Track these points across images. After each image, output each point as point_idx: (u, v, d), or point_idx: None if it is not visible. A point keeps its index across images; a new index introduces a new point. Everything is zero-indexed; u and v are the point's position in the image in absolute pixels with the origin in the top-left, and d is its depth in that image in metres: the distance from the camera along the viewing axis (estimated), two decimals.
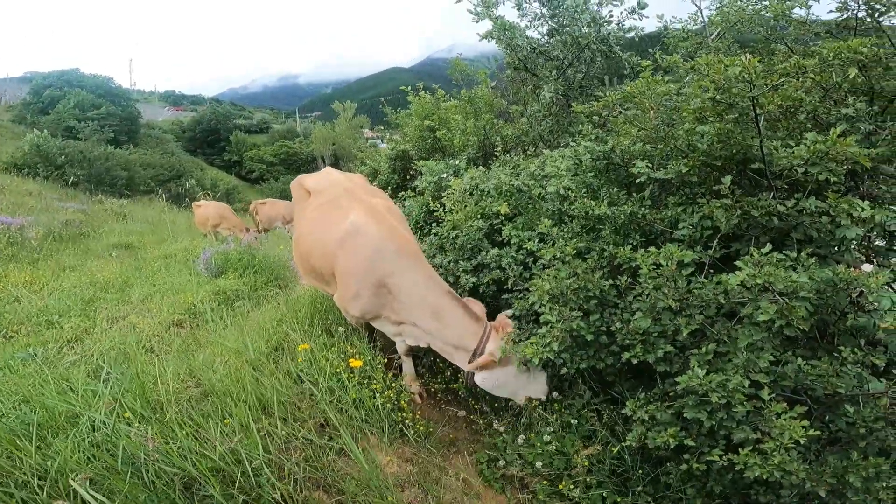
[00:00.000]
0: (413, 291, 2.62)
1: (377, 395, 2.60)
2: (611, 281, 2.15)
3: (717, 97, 1.94)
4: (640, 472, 2.17)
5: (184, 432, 2.08)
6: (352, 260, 2.73)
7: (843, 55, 1.91)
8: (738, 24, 3.77)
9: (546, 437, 2.37)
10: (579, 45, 5.19)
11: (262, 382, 2.56)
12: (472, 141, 5.85)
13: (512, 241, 3.10)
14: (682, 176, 2.27)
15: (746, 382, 1.61)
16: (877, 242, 2.06)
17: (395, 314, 2.72)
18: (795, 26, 3.22)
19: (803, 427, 1.47)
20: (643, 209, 2.38)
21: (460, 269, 3.23)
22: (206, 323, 4.07)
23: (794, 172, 1.91)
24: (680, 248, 1.96)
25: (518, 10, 5.48)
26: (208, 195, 16.82)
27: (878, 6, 2.35)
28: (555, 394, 2.59)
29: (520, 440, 2.48)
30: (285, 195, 12.62)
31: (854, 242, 1.87)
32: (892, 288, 1.87)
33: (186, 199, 15.49)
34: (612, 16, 5.31)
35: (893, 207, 2.14)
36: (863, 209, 1.79)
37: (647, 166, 2.34)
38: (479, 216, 3.49)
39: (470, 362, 2.51)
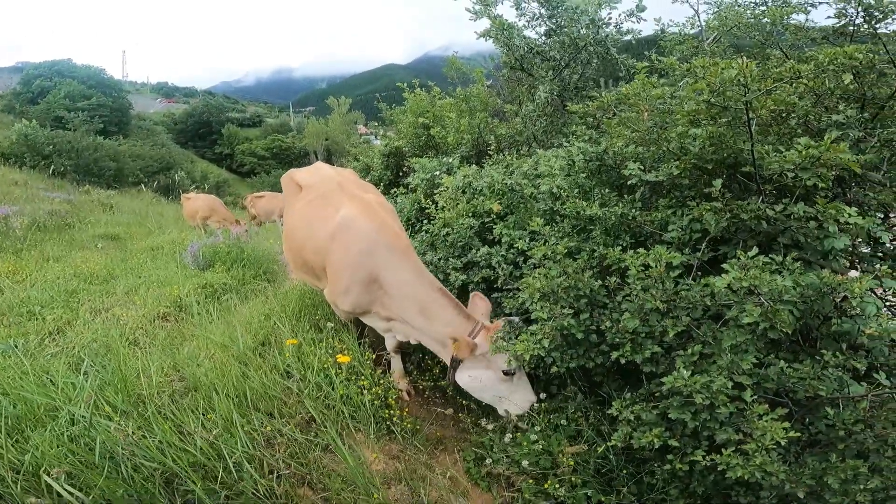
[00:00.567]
0: (403, 286, 2.61)
1: (365, 391, 2.58)
2: (600, 281, 2.15)
3: (712, 100, 1.95)
4: (625, 472, 2.18)
5: (165, 427, 2.05)
6: (343, 254, 2.71)
7: (838, 61, 1.93)
8: (734, 28, 3.79)
9: (533, 437, 2.37)
10: (576, 47, 5.20)
11: (249, 377, 2.52)
12: (466, 139, 5.83)
13: (503, 240, 3.09)
14: (673, 178, 2.28)
15: (730, 384, 1.62)
16: (862, 249, 2.09)
17: (386, 309, 2.70)
18: (792, 32, 3.25)
19: (784, 428, 1.48)
20: (634, 211, 2.38)
21: (450, 267, 3.22)
22: (193, 316, 4.01)
23: (784, 177, 1.92)
24: (669, 251, 1.96)
25: (516, 9, 5.48)
26: (200, 188, 16.63)
27: (876, 13, 2.37)
28: (542, 395, 2.59)
29: (507, 439, 2.48)
30: (277, 189, 12.51)
31: (841, 255, 1.88)
32: (874, 294, 1.89)
33: (178, 190, 15.29)
34: (610, 18, 5.33)
35: (879, 214, 2.17)
36: (850, 215, 1.80)
37: (639, 168, 2.35)
38: (470, 214, 3.48)
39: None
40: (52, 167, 14.82)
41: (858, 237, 1.95)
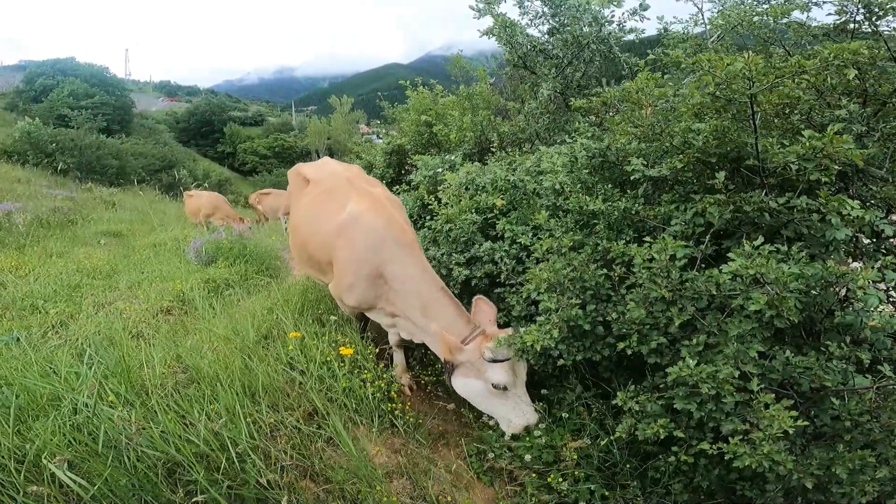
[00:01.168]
0: (408, 281, 2.60)
1: (367, 384, 2.58)
2: (605, 271, 2.15)
3: (717, 93, 1.96)
4: (629, 466, 2.17)
5: (168, 417, 2.05)
6: (350, 249, 2.71)
7: (842, 56, 1.93)
8: (738, 26, 3.80)
9: (536, 431, 2.37)
10: (579, 45, 5.21)
11: (252, 369, 2.53)
12: (469, 137, 5.84)
13: (506, 236, 3.09)
14: (676, 173, 2.28)
15: (736, 373, 1.62)
16: (864, 241, 2.09)
17: (391, 305, 2.70)
18: (794, 29, 3.26)
19: (792, 417, 1.48)
20: (637, 206, 2.38)
21: (453, 262, 3.22)
22: (196, 310, 4.01)
23: (788, 170, 1.93)
24: (675, 241, 1.96)
25: (519, 7, 5.50)
26: (202, 186, 16.66)
27: (876, 10, 2.38)
28: (544, 391, 2.58)
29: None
30: (279, 187, 12.52)
31: (843, 245, 1.89)
32: (875, 286, 1.90)
33: (180, 188, 15.32)
34: (613, 16, 5.34)
35: (882, 209, 2.17)
36: (853, 208, 1.81)
37: (641, 164, 2.35)
38: (473, 210, 3.49)
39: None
40: (55, 165, 14.86)
41: (861, 230, 1.95)
